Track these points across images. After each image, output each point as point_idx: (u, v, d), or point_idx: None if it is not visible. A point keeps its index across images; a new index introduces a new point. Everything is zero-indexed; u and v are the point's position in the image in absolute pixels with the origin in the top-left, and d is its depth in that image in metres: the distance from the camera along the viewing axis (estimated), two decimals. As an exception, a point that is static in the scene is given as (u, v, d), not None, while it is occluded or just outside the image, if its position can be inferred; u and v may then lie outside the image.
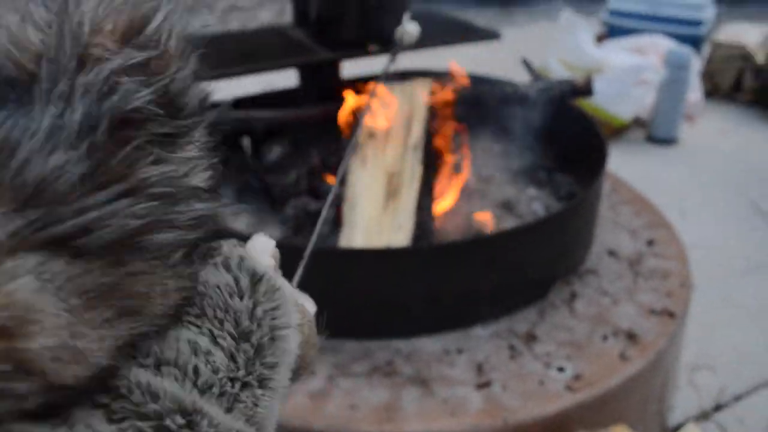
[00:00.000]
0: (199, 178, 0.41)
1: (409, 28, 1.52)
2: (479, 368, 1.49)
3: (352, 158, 1.85)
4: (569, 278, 1.77)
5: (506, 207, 2.04)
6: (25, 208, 0.31)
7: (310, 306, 0.52)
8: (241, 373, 0.41)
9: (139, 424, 0.36)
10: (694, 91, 3.57)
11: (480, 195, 2.09)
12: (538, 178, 2.21)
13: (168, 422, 0.37)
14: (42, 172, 0.33)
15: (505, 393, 1.42)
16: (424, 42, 2.13)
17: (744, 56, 3.84)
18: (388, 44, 2.09)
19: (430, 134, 1.92)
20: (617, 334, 1.58)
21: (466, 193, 2.09)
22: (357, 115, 1.94)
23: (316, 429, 1.35)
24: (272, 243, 0.53)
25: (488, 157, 2.33)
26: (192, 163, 0.41)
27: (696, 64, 3.59)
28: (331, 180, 2.01)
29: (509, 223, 1.95)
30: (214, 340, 0.42)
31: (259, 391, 0.42)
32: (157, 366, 0.39)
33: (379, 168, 1.83)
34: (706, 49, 4.10)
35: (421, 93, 1.99)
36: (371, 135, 1.89)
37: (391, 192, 1.80)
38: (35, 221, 0.31)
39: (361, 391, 1.42)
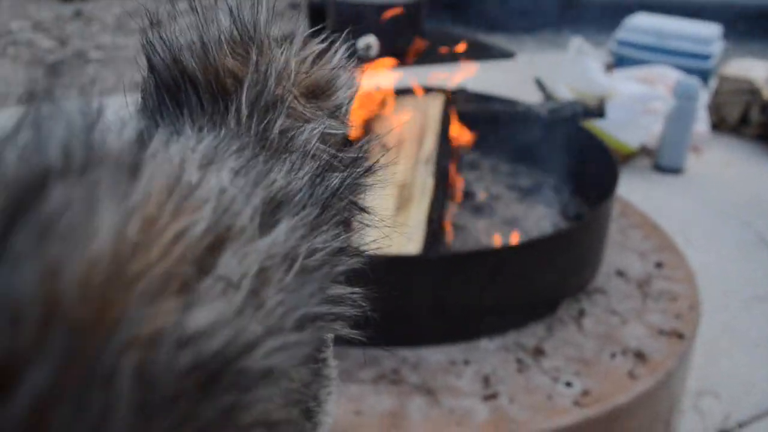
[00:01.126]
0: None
1: (371, 40, 1.54)
2: (486, 380, 1.47)
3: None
4: (578, 296, 1.76)
5: (514, 224, 2.04)
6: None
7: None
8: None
9: None
10: (701, 123, 3.59)
11: (488, 212, 2.09)
12: (546, 198, 2.21)
13: None
14: (319, 246, 0.31)
15: (512, 406, 1.40)
16: (440, 58, 2.16)
17: (751, 91, 3.87)
18: (401, 57, 2.11)
19: (441, 148, 1.92)
20: (626, 352, 1.57)
21: (473, 209, 2.09)
22: (369, 127, 1.95)
23: (320, 434, 1.33)
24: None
25: (497, 175, 2.33)
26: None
27: (703, 96, 3.61)
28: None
29: (514, 239, 1.95)
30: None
31: None
32: None
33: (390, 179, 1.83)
34: (713, 82, 4.13)
35: (434, 107, 2.00)
36: (383, 147, 1.89)
37: (402, 203, 1.80)
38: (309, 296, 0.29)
39: (366, 398, 1.41)
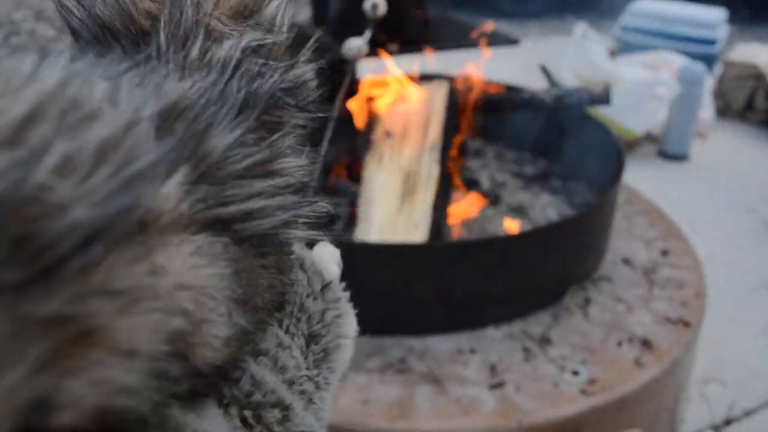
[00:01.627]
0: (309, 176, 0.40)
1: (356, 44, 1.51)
2: (492, 369, 1.47)
3: (368, 157, 1.85)
4: (583, 284, 1.76)
5: (520, 212, 2.03)
6: (201, 181, 0.29)
7: (354, 322, 0.51)
8: (314, 372, 0.41)
9: (244, 412, 0.36)
10: (706, 109, 3.57)
11: (494, 200, 2.08)
12: (552, 186, 2.20)
13: (266, 414, 0.36)
14: (223, 146, 0.31)
15: (519, 394, 1.40)
16: (445, 44, 2.14)
17: (756, 76, 3.84)
18: (408, 44, 2.09)
19: (447, 136, 1.91)
20: (632, 340, 1.57)
21: (480, 197, 2.08)
22: (374, 114, 1.94)
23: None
24: (338, 252, 0.52)
25: (503, 163, 2.32)
26: (312, 157, 0.40)
27: (708, 82, 3.59)
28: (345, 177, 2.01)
29: (522, 228, 1.94)
30: (291, 337, 0.41)
31: (325, 393, 0.41)
32: (254, 355, 0.38)
33: (396, 167, 1.82)
34: (719, 68, 4.10)
35: (439, 95, 1.99)
36: (388, 134, 1.89)
37: (408, 191, 1.79)
38: (209, 198, 0.29)
39: (373, 387, 1.41)
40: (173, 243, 0.27)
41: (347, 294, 0.47)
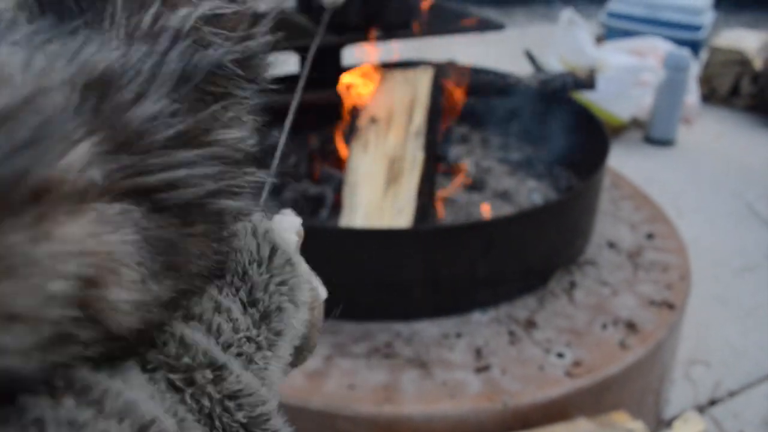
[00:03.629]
0: (255, 148, 0.40)
1: None
2: (478, 352, 1.48)
3: (353, 143, 1.85)
4: (569, 268, 1.76)
5: (505, 198, 2.03)
6: (119, 150, 0.29)
7: (322, 291, 0.51)
8: (254, 332, 0.41)
9: (171, 376, 0.35)
10: (692, 94, 3.58)
11: (479, 185, 2.09)
12: (537, 171, 2.20)
13: (198, 376, 0.36)
14: (145, 116, 0.31)
15: (505, 377, 1.41)
16: (430, 30, 2.13)
17: (742, 62, 3.86)
18: (391, 30, 2.09)
19: (432, 121, 1.91)
20: (617, 323, 1.58)
21: (465, 182, 2.08)
22: (358, 100, 1.94)
23: (313, 408, 1.33)
24: (298, 221, 0.52)
25: (488, 148, 2.32)
26: (253, 130, 0.40)
27: (694, 67, 3.60)
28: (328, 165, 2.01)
29: (508, 211, 1.94)
30: (231, 301, 0.41)
31: (268, 353, 0.41)
32: (185, 319, 0.38)
33: (381, 153, 1.82)
34: (704, 53, 4.12)
35: (424, 80, 1.99)
36: (373, 121, 1.88)
37: (392, 177, 1.79)
38: (127, 167, 0.29)
39: (360, 372, 1.41)
40: (72, 211, 0.27)
41: (301, 260, 0.46)
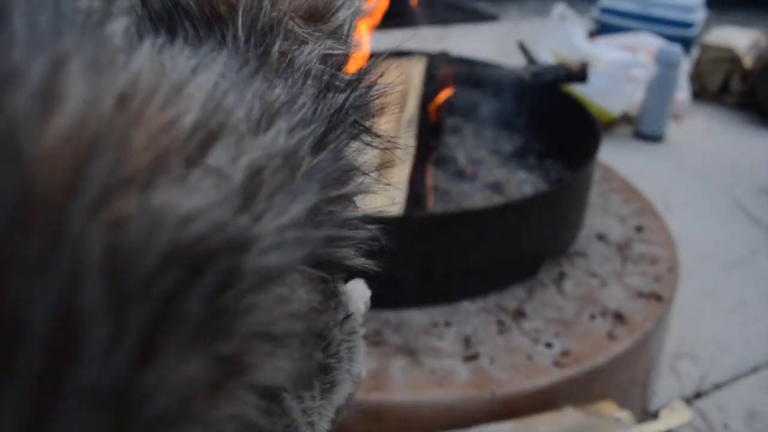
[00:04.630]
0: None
1: None
2: (467, 341, 1.48)
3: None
4: (558, 259, 1.77)
5: (496, 189, 2.04)
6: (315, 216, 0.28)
7: (365, 369, 0.50)
8: (320, 402, 0.40)
9: None
10: (682, 91, 3.60)
11: (470, 176, 2.09)
12: (528, 163, 2.21)
13: None
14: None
15: (493, 366, 1.41)
16: (425, 20, 2.13)
17: (732, 59, 3.88)
18: (386, 20, 2.08)
19: (424, 111, 1.91)
20: (605, 314, 1.58)
21: (455, 173, 2.08)
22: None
23: (302, 394, 1.33)
24: (368, 293, 0.51)
25: (480, 140, 2.32)
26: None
27: (685, 64, 3.61)
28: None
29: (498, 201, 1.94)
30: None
31: (323, 426, 0.40)
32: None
33: (373, 141, 1.81)
34: (696, 51, 4.13)
35: (417, 70, 1.98)
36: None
37: (385, 165, 1.79)
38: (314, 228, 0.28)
39: (348, 359, 1.41)
40: (298, 281, 0.26)
41: (363, 332, 0.46)
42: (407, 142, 1.82)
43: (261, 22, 0.36)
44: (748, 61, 3.83)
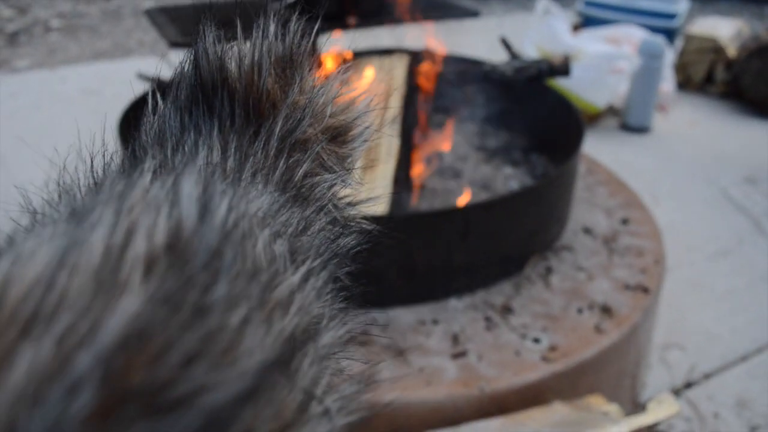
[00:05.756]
0: None
1: None
2: (455, 339, 1.48)
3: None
4: (545, 254, 1.77)
5: (482, 185, 2.03)
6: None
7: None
8: None
9: None
10: (667, 82, 3.60)
11: (455, 173, 2.08)
12: (513, 158, 2.21)
13: None
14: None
15: (481, 363, 1.41)
16: (405, 17, 2.12)
17: (716, 49, 3.88)
18: (368, 17, 2.07)
19: (407, 108, 1.90)
20: (592, 307, 1.58)
21: (441, 170, 2.08)
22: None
23: (289, 396, 1.32)
24: None
25: (464, 136, 2.32)
26: None
27: (669, 55, 3.62)
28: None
29: (483, 197, 1.94)
30: None
31: None
32: None
33: (356, 141, 1.81)
34: (680, 41, 4.14)
35: (399, 67, 1.98)
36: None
37: (368, 165, 1.78)
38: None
39: (335, 360, 1.40)
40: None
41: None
42: (391, 140, 1.81)
43: (296, 136, 0.38)
44: (732, 51, 3.84)
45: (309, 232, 0.37)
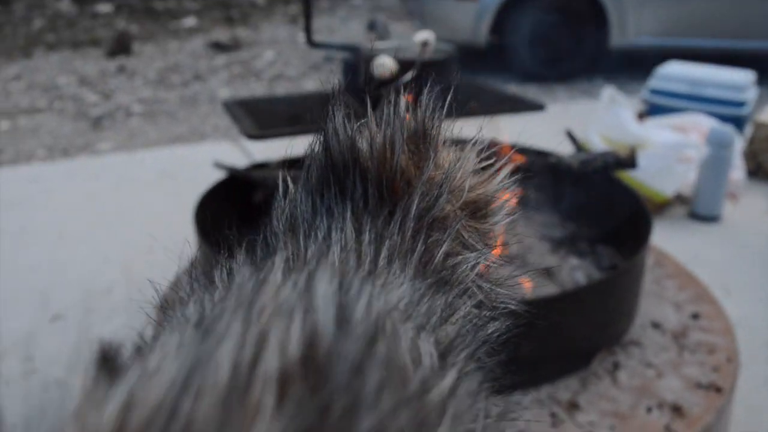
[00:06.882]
0: None
1: (428, 35, 1.54)
2: (520, 434, 1.46)
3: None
4: (612, 348, 1.75)
5: (547, 275, 2.04)
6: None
7: None
8: None
9: None
10: (737, 170, 3.56)
11: (521, 263, 2.10)
12: (579, 249, 2.21)
13: None
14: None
15: (547, 461, 1.39)
16: (473, 111, 2.19)
17: (787, 137, 3.83)
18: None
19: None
20: (662, 406, 1.55)
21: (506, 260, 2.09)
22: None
23: None
24: None
25: (530, 226, 2.34)
26: None
27: (738, 143, 3.59)
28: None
29: (550, 291, 1.94)
30: None
31: None
32: None
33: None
34: (749, 129, 4.11)
35: (468, 158, 2.03)
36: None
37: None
38: None
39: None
40: None
41: None
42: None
43: (434, 214, 0.36)
44: (804, 139, 3.79)
45: (453, 319, 0.34)
